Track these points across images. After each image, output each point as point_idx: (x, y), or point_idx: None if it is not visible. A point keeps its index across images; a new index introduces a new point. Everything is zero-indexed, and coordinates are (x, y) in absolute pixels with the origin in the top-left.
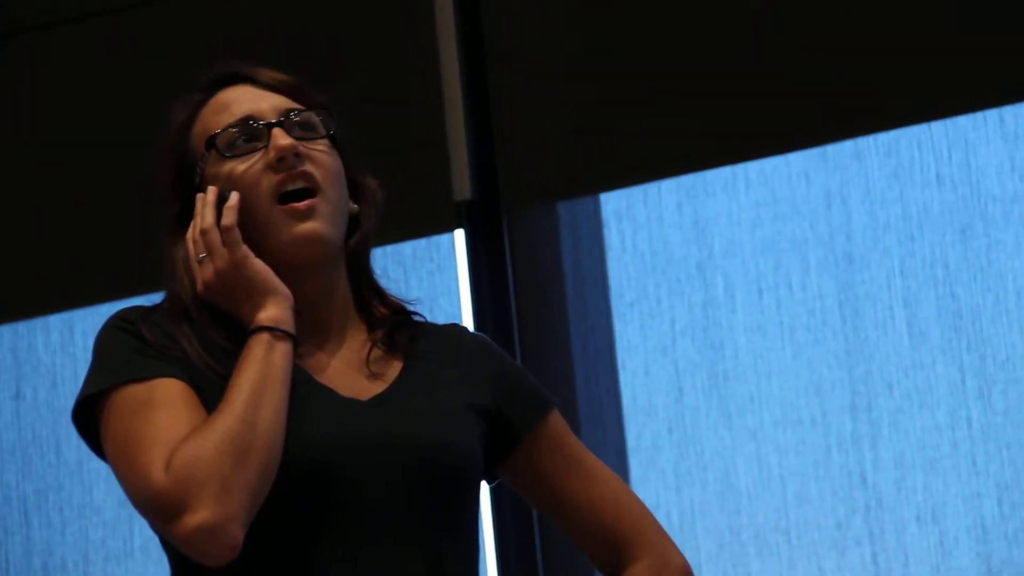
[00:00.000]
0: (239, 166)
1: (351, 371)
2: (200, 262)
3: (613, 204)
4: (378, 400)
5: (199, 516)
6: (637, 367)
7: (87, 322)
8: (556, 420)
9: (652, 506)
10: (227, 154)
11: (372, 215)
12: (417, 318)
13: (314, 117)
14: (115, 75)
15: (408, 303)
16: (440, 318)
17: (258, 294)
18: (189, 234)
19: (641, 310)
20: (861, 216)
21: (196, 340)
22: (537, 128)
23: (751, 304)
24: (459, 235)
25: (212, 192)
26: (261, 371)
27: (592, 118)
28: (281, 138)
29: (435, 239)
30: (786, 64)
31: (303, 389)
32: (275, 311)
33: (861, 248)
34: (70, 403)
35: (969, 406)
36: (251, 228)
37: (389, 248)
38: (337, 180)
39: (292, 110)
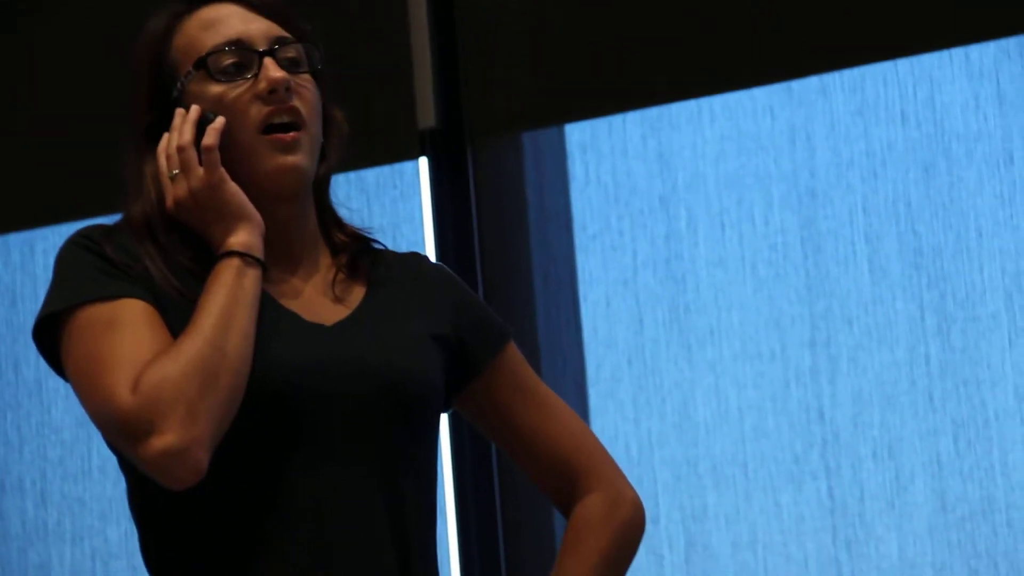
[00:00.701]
0: (227, 91)
1: (316, 296)
2: (172, 178)
3: (577, 135)
4: (341, 326)
5: (165, 439)
6: (598, 299)
7: (48, 241)
8: (513, 351)
9: (610, 437)
10: (217, 77)
11: (338, 147)
12: (377, 246)
13: (302, 49)
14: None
15: (367, 231)
16: (403, 246)
17: (231, 218)
18: (162, 147)
19: (603, 242)
20: (825, 152)
21: (160, 260)
22: (502, 58)
23: (713, 238)
24: (423, 163)
25: (196, 111)
26: (230, 296)
27: (558, 49)
28: (273, 70)
29: (399, 167)
30: (751, 0)
31: (269, 314)
32: (247, 237)
33: (824, 184)
34: (29, 322)
35: (928, 343)
36: (232, 154)
37: (352, 175)
38: (318, 115)
39: (281, 38)
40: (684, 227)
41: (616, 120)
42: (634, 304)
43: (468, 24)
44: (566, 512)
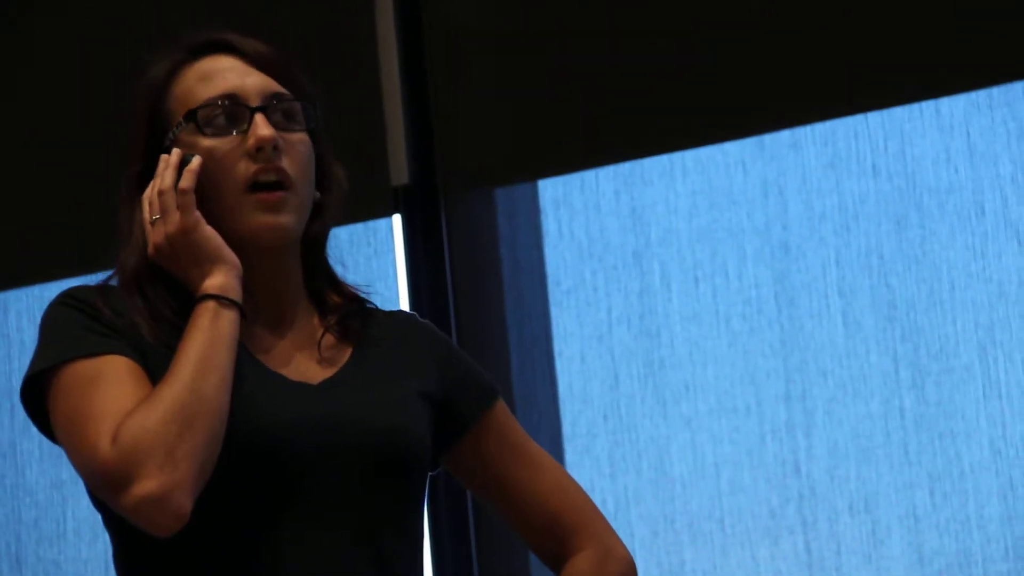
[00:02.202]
0: (216, 144)
1: (301, 355)
2: (153, 224)
3: (551, 191)
4: (327, 384)
5: (146, 486)
6: (573, 354)
7: (21, 303)
8: (502, 408)
9: (587, 492)
10: (206, 130)
11: (335, 204)
12: (368, 305)
13: (296, 106)
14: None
15: (362, 291)
16: (377, 303)
17: (206, 261)
18: (147, 194)
19: (577, 297)
20: (797, 206)
21: (147, 313)
22: (475, 114)
23: (687, 292)
24: (396, 220)
25: (176, 154)
26: (206, 339)
27: (530, 105)
28: (263, 128)
29: (372, 224)
30: (722, 54)
31: (252, 374)
32: (221, 279)
33: (797, 238)
34: (1, 384)
35: (902, 396)
36: (216, 207)
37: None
38: (308, 174)
39: (276, 94)
40: (658, 282)
41: (589, 175)
42: (609, 360)
43: (440, 80)
44: (556, 569)
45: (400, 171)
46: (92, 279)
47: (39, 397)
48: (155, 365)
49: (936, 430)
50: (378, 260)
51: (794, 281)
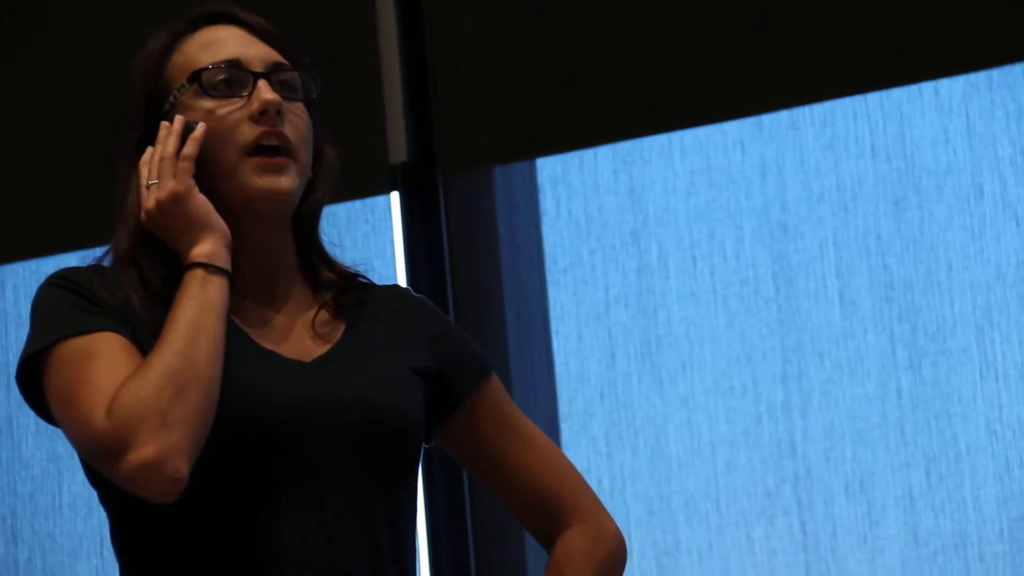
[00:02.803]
0: (219, 108)
1: (295, 332)
2: (148, 189)
3: (549, 169)
4: (320, 361)
5: (142, 452)
6: (570, 333)
7: (17, 276)
8: (495, 384)
9: (583, 472)
10: (210, 92)
11: (327, 183)
12: (362, 280)
13: (297, 77)
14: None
15: (355, 269)
16: (374, 280)
17: (195, 228)
18: (144, 159)
19: (575, 276)
20: (795, 186)
21: (140, 287)
22: (474, 92)
23: (685, 272)
24: (395, 198)
25: (179, 121)
26: (195, 306)
27: (529, 84)
28: (266, 92)
29: (370, 201)
30: (722, 33)
31: (244, 351)
32: (209, 246)
33: (795, 218)
34: None
35: (899, 377)
36: (215, 171)
37: (324, 209)
38: (307, 145)
39: (278, 63)
40: (655, 261)
41: (587, 154)
42: (606, 338)
43: (439, 59)
44: (547, 546)
45: (398, 149)
46: (89, 253)
47: (34, 379)
48: (146, 340)
49: (932, 411)
50: (376, 238)
51: (791, 261)
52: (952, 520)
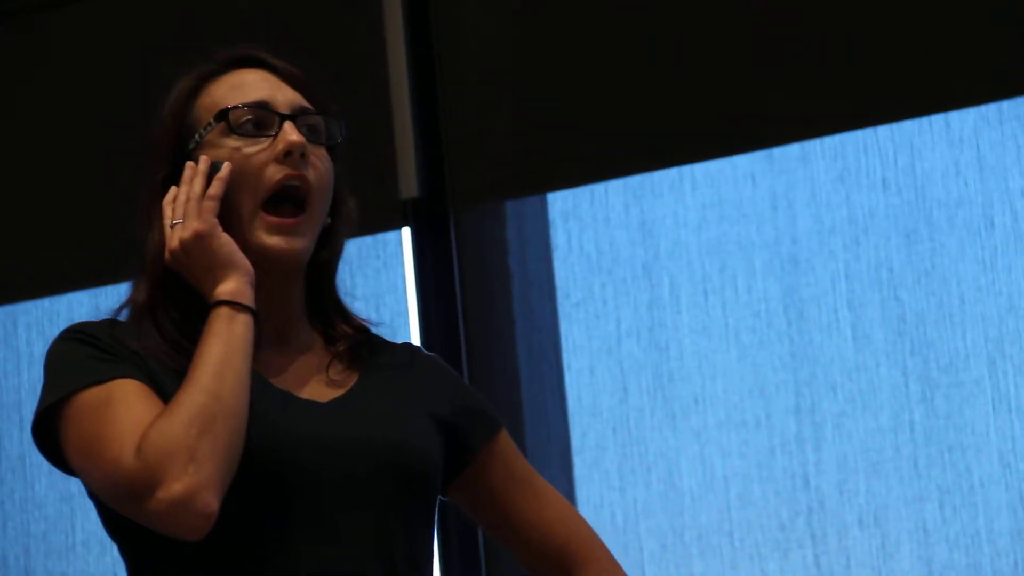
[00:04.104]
0: (245, 147)
1: (309, 377)
2: (173, 228)
3: (560, 204)
4: (337, 404)
5: (172, 489)
6: (582, 367)
7: (31, 315)
8: (506, 439)
9: (596, 506)
10: (236, 131)
11: (344, 233)
12: (374, 338)
13: (322, 122)
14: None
15: (371, 323)
16: (386, 316)
17: (219, 267)
18: (168, 199)
19: (587, 310)
20: (807, 219)
21: (159, 336)
22: (485, 127)
23: (696, 305)
24: (406, 233)
25: (204, 161)
26: (222, 343)
27: (540, 117)
28: (292, 133)
29: (382, 236)
30: (733, 67)
31: (261, 392)
32: (233, 284)
33: (806, 251)
34: (11, 397)
35: (912, 409)
36: (233, 217)
37: None
38: (328, 190)
39: (305, 108)
40: (667, 295)
41: (598, 188)
42: (618, 372)
43: (450, 93)
44: None
45: (409, 184)
46: (101, 291)
47: (50, 432)
48: (166, 385)
49: (946, 443)
50: (387, 273)
51: (803, 294)
52: (967, 553)
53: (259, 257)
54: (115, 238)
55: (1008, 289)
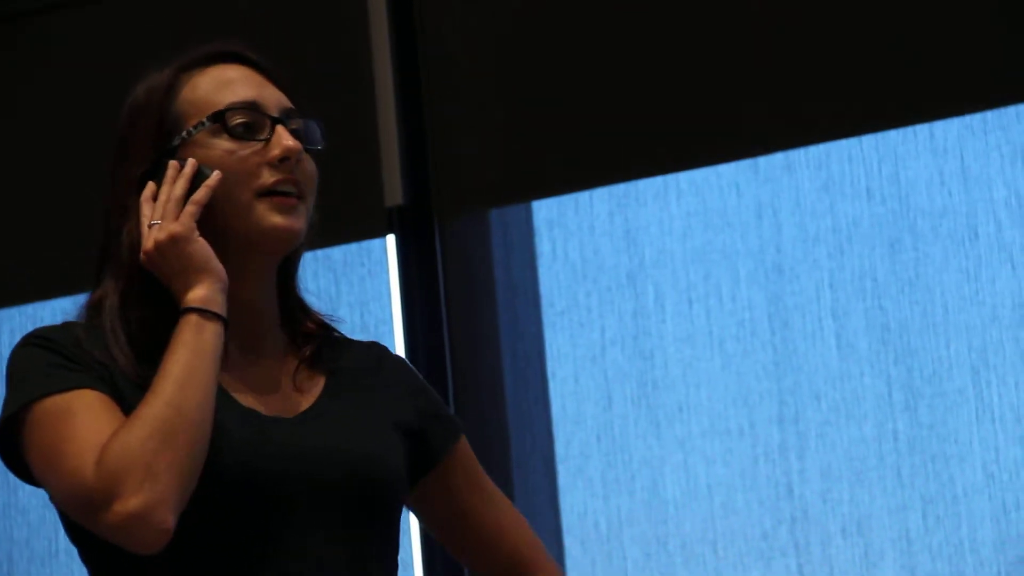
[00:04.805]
0: (239, 150)
1: (275, 387)
2: (150, 228)
3: (545, 212)
4: (303, 417)
5: (128, 503)
6: (567, 375)
7: (15, 321)
8: (466, 444)
9: (579, 515)
10: (231, 133)
11: (309, 234)
12: (336, 335)
13: (310, 124)
14: None
15: (331, 318)
16: (371, 324)
17: (193, 271)
18: (146, 195)
19: (571, 319)
20: (791, 228)
21: (125, 339)
22: (469, 135)
23: (681, 314)
24: (391, 240)
25: (192, 164)
26: (189, 353)
27: (525, 125)
28: (287, 138)
29: (366, 244)
30: (718, 76)
31: (226, 411)
32: (204, 291)
33: (791, 260)
34: None
35: (896, 419)
36: (226, 209)
37: (320, 253)
38: (314, 192)
39: (291, 110)
40: (652, 303)
41: (583, 197)
42: (603, 381)
43: (435, 101)
44: None
45: (394, 192)
46: (85, 298)
47: (13, 442)
48: (130, 393)
49: (929, 453)
50: (372, 280)
51: (787, 303)
52: (949, 563)
53: (257, 240)
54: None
55: (992, 299)
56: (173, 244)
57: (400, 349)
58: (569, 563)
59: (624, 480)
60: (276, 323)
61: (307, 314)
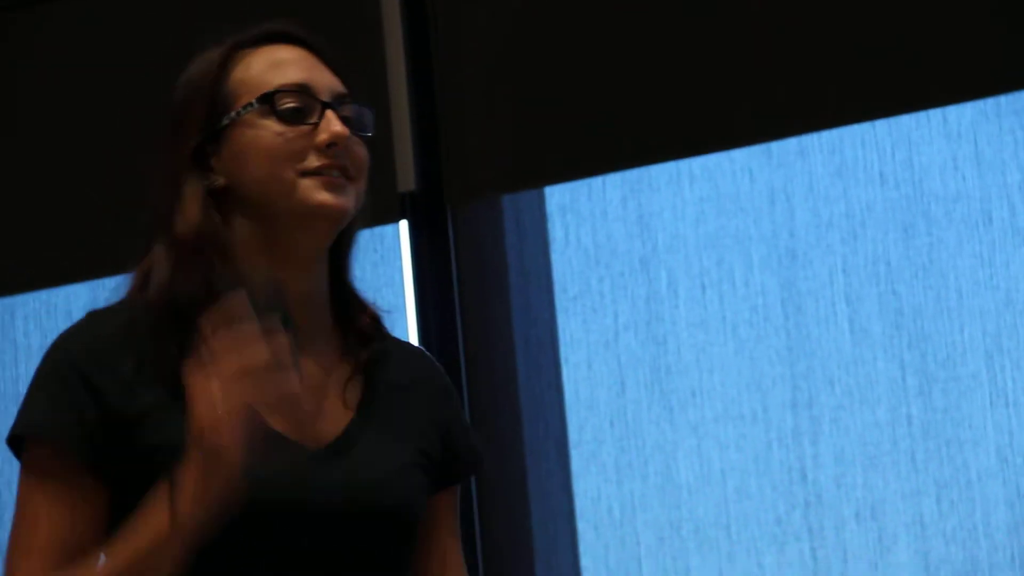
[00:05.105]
0: (286, 131)
1: (320, 396)
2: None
3: (557, 198)
4: (327, 453)
5: None
6: (580, 361)
7: (28, 307)
8: (457, 494)
9: (592, 499)
10: (279, 115)
11: (359, 219)
12: (386, 334)
13: (361, 111)
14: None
15: (380, 310)
16: (387, 310)
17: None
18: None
19: (584, 304)
20: (804, 213)
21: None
22: (482, 120)
23: (694, 299)
24: (403, 226)
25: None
26: (156, 530)
27: (537, 111)
28: (336, 124)
29: (379, 230)
30: (730, 61)
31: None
32: (203, 488)
33: (804, 245)
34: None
35: (909, 403)
36: (270, 186)
37: None
38: (365, 178)
39: (343, 95)
40: (665, 289)
41: (596, 182)
42: (616, 366)
43: (447, 87)
44: None
45: (407, 177)
46: (98, 284)
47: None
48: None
49: (943, 438)
50: (384, 267)
51: (801, 288)
52: (963, 548)
53: (303, 220)
54: (113, 231)
55: (1006, 284)
56: (226, 422)
57: (412, 336)
58: (582, 547)
59: (637, 465)
60: (329, 317)
61: (362, 308)
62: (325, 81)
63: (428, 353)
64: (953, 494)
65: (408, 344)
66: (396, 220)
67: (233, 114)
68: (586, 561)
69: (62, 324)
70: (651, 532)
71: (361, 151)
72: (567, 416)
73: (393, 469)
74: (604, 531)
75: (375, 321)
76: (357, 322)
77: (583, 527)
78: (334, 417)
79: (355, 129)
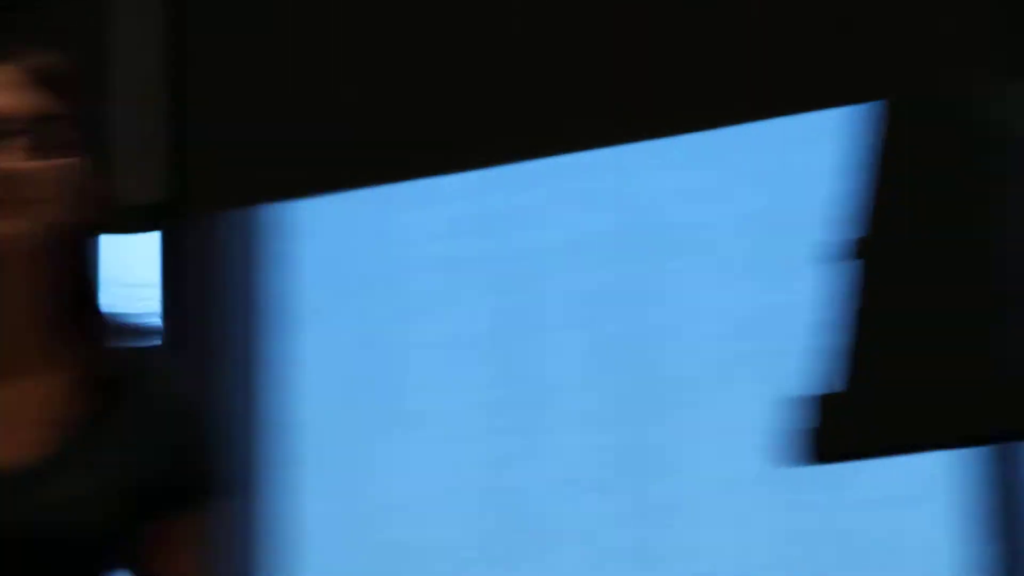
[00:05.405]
0: None
1: (22, 415)
2: None
3: (298, 214)
4: (13, 478)
5: None
6: (311, 379)
7: None
8: (202, 520)
9: (316, 518)
10: None
11: (87, 232)
12: (119, 345)
13: (63, 128)
14: None
15: (127, 325)
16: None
17: None
18: None
19: (319, 322)
20: (532, 237)
21: None
22: (230, 135)
23: (423, 320)
24: (147, 237)
25: None
26: None
27: (281, 128)
28: None
29: (122, 240)
30: (464, 88)
31: None
32: None
33: (530, 269)
34: None
35: (630, 430)
36: None
37: None
38: (39, 196)
39: (44, 117)
40: (396, 309)
41: (334, 200)
42: (345, 385)
43: (198, 99)
44: None
45: (151, 189)
46: None
47: None
48: None
49: (660, 464)
50: (127, 276)
51: (525, 312)
52: (679, 571)
53: None
54: None
55: (736, 311)
56: None
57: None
58: (306, 567)
59: (359, 485)
60: (38, 332)
61: (97, 325)
62: (20, 105)
63: (177, 371)
64: (669, 518)
65: (156, 362)
66: (142, 231)
67: None
68: None
69: None
70: (370, 552)
71: (29, 175)
72: (294, 434)
73: (83, 496)
74: (327, 551)
75: (111, 338)
76: (88, 339)
77: (307, 546)
78: (33, 441)
79: (48, 155)
